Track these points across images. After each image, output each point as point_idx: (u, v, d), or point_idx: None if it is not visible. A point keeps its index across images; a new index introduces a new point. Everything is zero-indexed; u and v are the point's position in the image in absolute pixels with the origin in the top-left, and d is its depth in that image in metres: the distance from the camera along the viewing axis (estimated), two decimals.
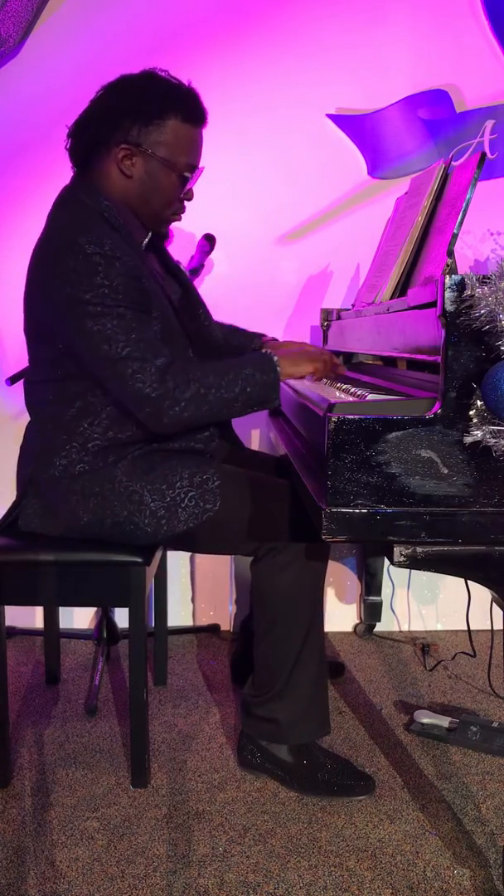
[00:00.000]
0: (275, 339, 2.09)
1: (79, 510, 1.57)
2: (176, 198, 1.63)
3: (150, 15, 2.32)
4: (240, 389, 1.52)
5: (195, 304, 1.78)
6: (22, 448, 1.70)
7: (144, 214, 1.63)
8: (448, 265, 1.38)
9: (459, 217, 1.43)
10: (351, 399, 1.42)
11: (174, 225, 1.73)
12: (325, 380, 1.80)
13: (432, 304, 1.24)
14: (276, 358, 1.57)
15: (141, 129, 1.55)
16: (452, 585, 2.46)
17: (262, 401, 1.56)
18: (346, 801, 1.61)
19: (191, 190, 1.65)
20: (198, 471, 1.56)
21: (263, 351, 1.63)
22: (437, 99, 2.40)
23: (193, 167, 1.61)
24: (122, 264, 1.47)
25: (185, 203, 1.67)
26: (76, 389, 1.56)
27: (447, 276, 1.18)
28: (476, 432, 1.16)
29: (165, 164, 1.57)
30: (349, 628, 2.57)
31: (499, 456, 1.17)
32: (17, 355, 1.65)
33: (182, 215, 1.69)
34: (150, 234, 1.68)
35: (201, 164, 1.64)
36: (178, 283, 1.78)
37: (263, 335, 2.08)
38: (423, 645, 2.37)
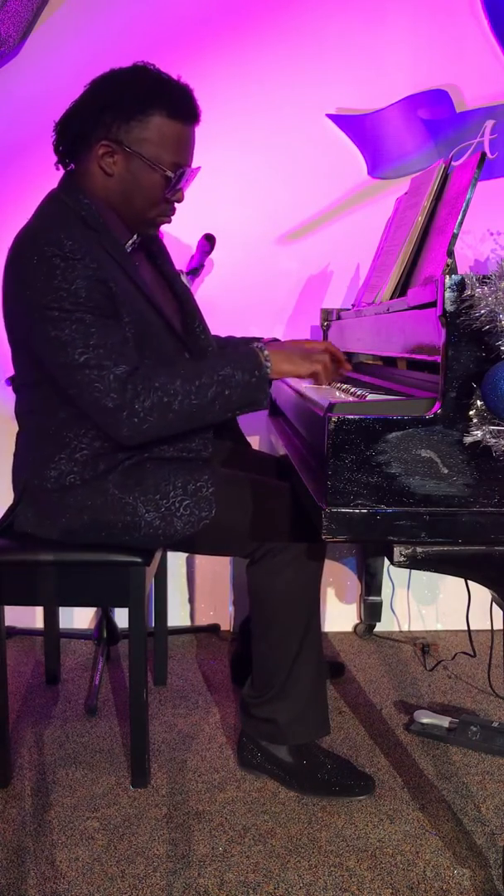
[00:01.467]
0: (276, 340, 2.00)
1: (74, 523, 1.56)
2: (161, 198, 1.57)
3: (149, 15, 2.33)
4: (215, 393, 1.44)
5: (191, 317, 1.73)
6: (14, 455, 1.69)
7: (127, 215, 1.58)
8: (448, 265, 1.38)
9: (459, 217, 1.43)
10: (351, 399, 1.42)
11: (168, 226, 1.69)
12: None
13: (432, 304, 1.24)
14: (265, 353, 1.49)
15: (122, 125, 1.49)
16: (452, 585, 2.46)
17: (246, 403, 1.48)
18: (346, 801, 1.61)
19: (180, 191, 1.58)
20: (191, 478, 1.53)
21: (254, 345, 1.54)
22: (437, 99, 2.40)
23: (180, 166, 1.54)
24: (84, 266, 1.41)
25: (175, 205, 1.61)
26: (56, 397, 1.53)
27: (447, 276, 1.18)
28: (476, 432, 1.16)
29: (148, 162, 1.51)
30: (349, 628, 2.57)
31: (499, 456, 1.17)
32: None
33: (171, 217, 1.63)
34: (135, 235, 1.63)
35: (195, 165, 1.58)
36: (176, 294, 1.74)
37: (261, 339, 1.98)
38: (423, 645, 2.37)
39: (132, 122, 1.49)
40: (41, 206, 1.55)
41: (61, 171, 1.62)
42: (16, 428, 1.69)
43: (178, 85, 1.53)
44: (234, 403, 1.48)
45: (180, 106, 1.52)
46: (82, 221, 1.50)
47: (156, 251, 1.75)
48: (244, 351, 1.52)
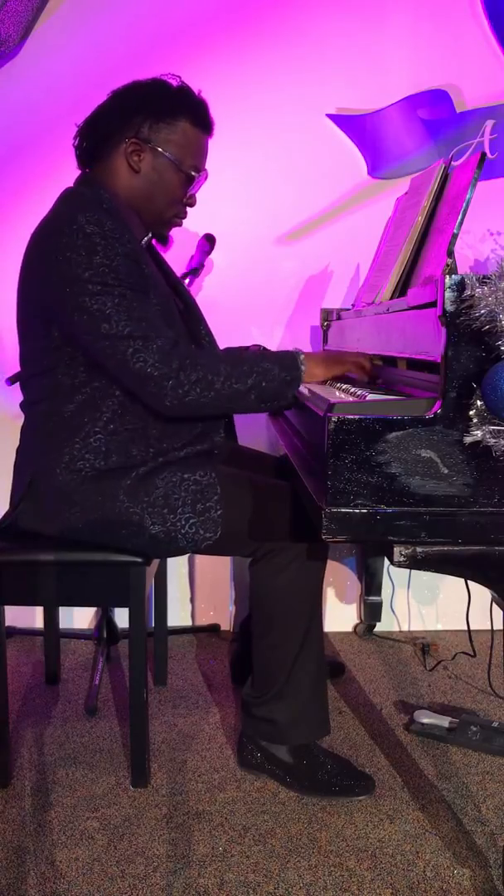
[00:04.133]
0: (263, 349, 2.03)
1: (78, 521, 1.56)
2: (179, 198, 1.65)
3: (150, 15, 2.33)
4: (253, 382, 1.51)
5: (196, 320, 1.76)
6: (19, 451, 1.68)
7: (147, 212, 1.64)
8: (448, 265, 1.38)
9: (459, 217, 1.43)
10: (351, 399, 1.42)
11: (174, 229, 1.73)
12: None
13: (432, 304, 1.24)
14: (302, 356, 1.58)
15: (152, 125, 1.58)
16: (452, 585, 2.46)
17: (276, 397, 1.55)
18: (346, 801, 1.61)
19: (193, 195, 1.67)
20: (201, 497, 1.54)
21: (293, 349, 1.62)
22: (437, 99, 2.40)
23: (199, 170, 1.64)
24: (122, 245, 1.47)
25: (187, 208, 1.69)
26: (70, 383, 1.55)
27: (447, 276, 1.17)
28: (476, 432, 1.16)
29: (173, 162, 1.60)
30: (349, 628, 2.57)
31: (499, 456, 1.17)
32: (18, 355, 1.65)
33: (183, 221, 1.71)
34: (149, 234, 1.68)
35: (206, 172, 1.66)
36: (180, 295, 1.76)
37: (247, 347, 2.03)
38: (423, 645, 2.37)
39: (161, 124, 1.59)
40: (64, 197, 1.57)
41: (62, 171, 1.65)
42: (15, 428, 1.68)
43: (199, 98, 1.63)
44: (266, 395, 1.53)
45: (203, 117, 1.62)
46: (105, 213, 1.52)
47: (159, 258, 1.78)
48: (282, 352, 1.61)
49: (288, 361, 1.56)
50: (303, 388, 1.73)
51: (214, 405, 1.52)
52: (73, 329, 1.50)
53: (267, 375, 1.52)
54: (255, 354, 1.58)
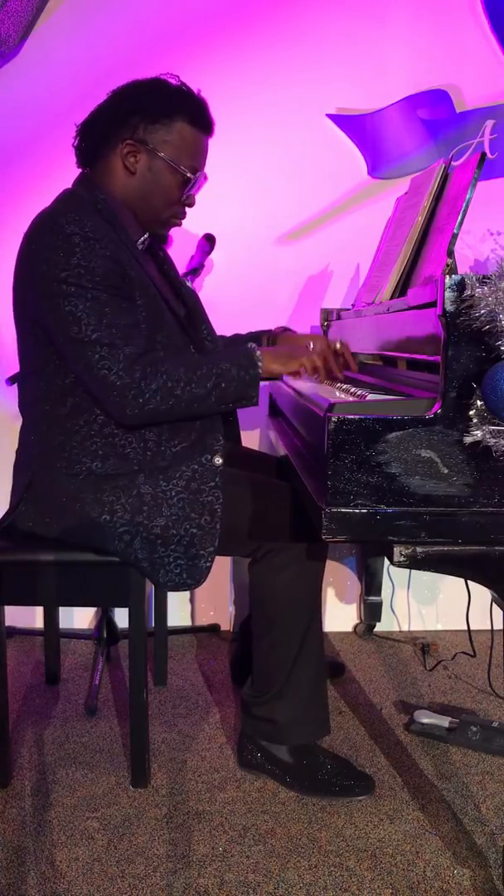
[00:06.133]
0: (288, 330, 2.03)
1: (73, 528, 1.56)
2: (176, 199, 1.63)
3: (150, 15, 2.32)
4: (212, 385, 1.49)
5: (198, 322, 1.74)
6: (18, 452, 1.68)
7: (143, 212, 1.63)
8: (448, 265, 1.38)
9: (459, 217, 1.43)
10: (351, 399, 1.42)
11: (173, 229, 1.73)
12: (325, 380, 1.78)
13: (432, 304, 1.24)
14: (258, 353, 1.55)
15: (148, 126, 1.56)
16: (452, 585, 2.46)
17: (238, 398, 1.53)
18: (346, 801, 1.61)
19: (192, 195, 1.66)
20: (198, 543, 1.53)
21: (248, 345, 1.59)
22: (437, 99, 2.40)
23: (196, 170, 1.62)
24: (103, 247, 1.46)
25: (186, 209, 1.67)
26: (62, 384, 1.54)
27: (447, 276, 1.18)
28: (476, 432, 1.16)
29: (169, 163, 1.58)
30: (349, 628, 2.57)
31: (499, 456, 1.17)
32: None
33: (182, 221, 1.70)
34: (147, 234, 1.67)
35: (205, 174, 1.65)
36: (182, 298, 1.75)
37: (270, 330, 2.03)
38: (423, 645, 2.37)
39: (157, 125, 1.57)
40: (58, 198, 1.58)
41: (62, 171, 1.65)
42: (15, 428, 1.68)
43: (198, 98, 1.61)
44: (228, 397, 1.52)
45: (201, 116, 1.60)
46: (98, 213, 1.53)
47: (162, 257, 1.77)
48: (241, 350, 1.58)
49: (245, 360, 1.53)
50: (302, 388, 1.73)
51: (175, 411, 1.50)
52: (48, 329, 1.50)
53: (226, 376, 1.50)
54: (214, 355, 1.56)
